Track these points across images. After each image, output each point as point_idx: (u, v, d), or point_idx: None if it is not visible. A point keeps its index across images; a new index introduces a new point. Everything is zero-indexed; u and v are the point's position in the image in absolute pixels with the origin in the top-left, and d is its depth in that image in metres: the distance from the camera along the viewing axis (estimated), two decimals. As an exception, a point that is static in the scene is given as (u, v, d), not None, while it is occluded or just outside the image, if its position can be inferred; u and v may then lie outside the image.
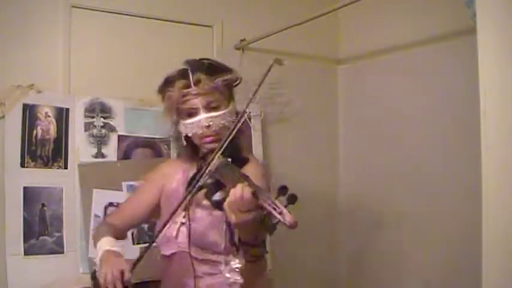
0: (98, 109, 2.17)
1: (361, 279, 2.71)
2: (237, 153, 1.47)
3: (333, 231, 2.83)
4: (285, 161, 2.67)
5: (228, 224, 1.39)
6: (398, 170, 2.50)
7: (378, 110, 2.63)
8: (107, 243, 1.42)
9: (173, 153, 2.28)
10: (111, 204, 2.10)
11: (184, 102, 1.48)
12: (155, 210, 1.61)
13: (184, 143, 1.53)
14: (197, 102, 1.46)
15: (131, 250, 2.08)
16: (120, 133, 2.20)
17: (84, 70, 2.19)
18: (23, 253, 1.96)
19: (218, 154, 1.35)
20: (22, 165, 2.01)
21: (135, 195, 1.70)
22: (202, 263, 1.48)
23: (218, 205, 1.30)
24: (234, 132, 1.36)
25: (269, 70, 1.39)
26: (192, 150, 1.55)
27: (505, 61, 1.17)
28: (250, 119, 2.47)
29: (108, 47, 2.26)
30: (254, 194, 1.14)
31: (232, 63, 2.49)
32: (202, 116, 1.46)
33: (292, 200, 1.17)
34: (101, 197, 2.09)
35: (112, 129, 2.19)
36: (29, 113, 2.04)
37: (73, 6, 2.17)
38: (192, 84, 1.46)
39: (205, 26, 2.50)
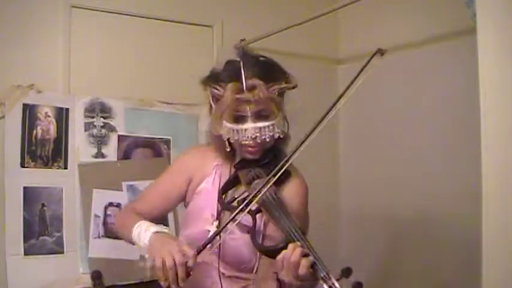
0: (98, 109, 2.17)
1: (360, 279, 2.71)
2: (277, 165, 1.34)
3: (333, 231, 2.83)
4: (285, 161, 2.67)
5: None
6: (398, 170, 2.50)
7: (378, 110, 2.63)
8: (152, 225, 1.26)
9: (173, 153, 2.28)
10: (111, 204, 2.10)
11: (234, 106, 1.32)
12: (178, 202, 1.48)
13: (228, 148, 1.38)
14: (247, 109, 1.31)
15: (132, 250, 2.09)
16: (120, 133, 2.20)
17: (84, 70, 2.19)
18: (23, 253, 1.96)
19: (275, 178, 1.26)
20: (22, 165, 2.01)
21: (164, 181, 1.49)
22: (227, 280, 1.36)
23: (264, 252, 1.23)
24: (289, 163, 1.28)
25: (370, 59, 1.34)
26: (231, 152, 1.41)
27: (505, 61, 1.17)
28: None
29: (108, 47, 2.26)
30: (311, 267, 1.08)
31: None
32: (250, 125, 1.32)
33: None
34: (101, 197, 2.09)
35: (112, 129, 2.19)
36: (29, 113, 2.03)
37: (73, 6, 2.17)
38: (246, 90, 1.31)
39: (205, 26, 2.50)
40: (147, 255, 1.23)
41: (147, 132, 2.26)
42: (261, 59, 1.42)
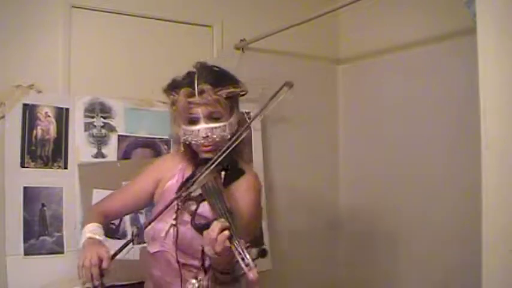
0: (98, 109, 2.17)
1: (361, 280, 2.71)
2: (232, 164, 1.49)
3: (333, 232, 2.83)
4: (285, 161, 2.67)
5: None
6: (398, 170, 2.50)
7: (378, 110, 2.63)
8: (91, 230, 1.46)
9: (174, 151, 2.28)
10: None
11: (187, 109, 1.50)
12: (148, 201, 1.64)
13: (182, 149, 1.57)
14: (199, 111, 1.48)
15: (132, 251, 2.09)
16: (120, 133, 2.20)
17: (84, 70, 2.19)
18: (23, 253, 1.96)
19: (210, 168, 1.38)
20: (22, 165, 2.01)
21: (130, 184, 1.70)
22: (182, 266, 1.48)
23: (196, 229, 1.36)
24: (229, 150, 1.38)
25: (278, 92, 1.49)
26: (192, 151, 1.57)
27: (505, 61, 1.17)
28: (250, 118, 2.47)
29: (108, 47, 2.26)
30: (229, 239, 1.18)
31: (232, 63, 2.52)
32: (202, 126, 1.48)
33: (263, 254, 1.22)
34: (100, 197, 2.07)
35: (112, 129, 2.19)
36: (29, 113, 2.04)
37: (73, 6, 2.17)
38: (196, 94, 1.48)
39: (205, 26, 2.50)
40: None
41: (147, 132, 2.26)
42: (215, 69, 1.57)
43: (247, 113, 2.47)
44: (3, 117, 1.99)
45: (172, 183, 1.58)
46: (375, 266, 2.62)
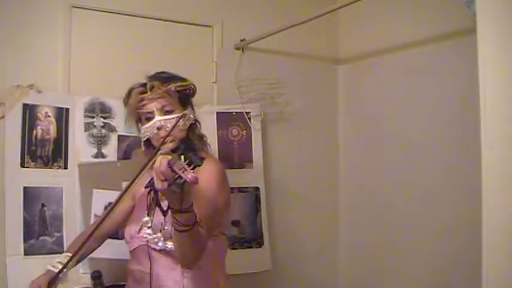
0: (98, 109, 2.17)
1: (360, 279, 2.71)
2: (191, 151, 1.52)
3: (333, 230, 2.83)
4: (285, 161, 2.67)
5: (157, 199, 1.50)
6: (398, 170, 2.50)
7: (378, 110, 2.63)
8: (54, 263, 1.60)
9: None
10: (111, 204, 2.10)
11: (141, 107, 1.63)
12: (129, 217, 1.73)
13: (143, 147, 1.70)
14: (152, 106, 1.62)
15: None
16: (120, 133, 2.20)
17: (84, 70, 2.20)
18: (23, 253, 1.96)
19: (160, 151, 1.46)
20: (22, 165, 2.01)
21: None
22: (159, 252, 1.55)
23: (148, 186, 1.49)
24: (174, 127, 1.54)
25: (177, 123, 1.60)
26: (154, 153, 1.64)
27: (505, 61, 1.17)
28: (249, 118, 2.47)
29: (108, 47, 2.26)
30: (169, 163, 1.25)
31: (232, 63, 2.53)
32: (157, 119, 1.61)
33: (199, 160, 1.29)
34: (101, 197, 2.09)
35: (112, 129, 2.19)
36: (29, 113, 2.04)
37: (73, 6, 2.17)
38: (148, 90, 1.62)
39: (205, 26, 2.50)
40: None
41: (147, 132, 2.25)
42: (164, 73, 1.70)
43: (247, 113, 2.47)
44: (3, 117, 1.99)
45: (142, 188, 1.64)
46: (375, 266, 2.62)
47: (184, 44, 2.42)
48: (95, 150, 2.15)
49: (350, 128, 2.84)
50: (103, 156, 2.16)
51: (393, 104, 2.54)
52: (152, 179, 1.51)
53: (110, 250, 2.03)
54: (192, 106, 1.72)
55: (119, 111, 2.21)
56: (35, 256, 1.98)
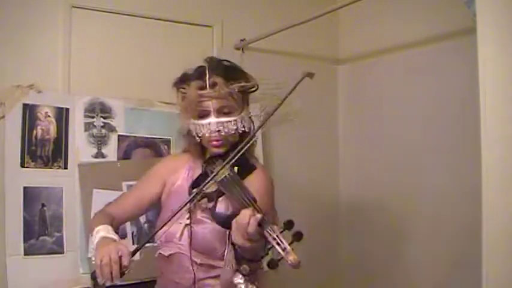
0: (98, 109, 2.17)
1: (360, 279, 2.71)
2: (243, 160, 1.43)
3: (333, 231, 2.83)
4: (285, 161, 2.67)
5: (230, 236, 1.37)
6: (398, 170, 2.50)
7: (378, 110, 2.63)
8: (104, 230, 1.40)
9: (174, 151, 2.28)
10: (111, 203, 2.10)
11: (197, 102, 1.47)
12: (154, 204, 1.62)
13: (198, 139, 1.52)
14: (210, 104, 1.46)
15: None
16: (120, 133, 2.20)
17: (84, 70, 2.19)
18: (22, 253, 1.95)
19: (226, 166, 1.35)
20: (22, 165, 2.00)
21: (138, 186, 1.67)
22: (200, 267, 1.47)
23: (218, 222, 1.35)
24: (245, 149, 1.35)
25: (299, 82, 1.46)
26: (200, 148, 1.56)
27: (505, 61, 1.17)
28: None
29: (108, 47, 2.26)
30: (260, 224, 1.15)
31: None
32: (213, 120, 1.46)
33: (298, 237, 1.18)
34: (101, 197, 2.09)
35: (112, 129, 2.19)
36: (29, 113, 2.03)
37: (73, 6, 2.17)
38: (208, 87, 1.46)
39: (205, 26, 2.50)
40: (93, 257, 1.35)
41: (147, 132, 2.25)
42: (225, 62, 1.56)
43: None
44: (3, 117, 1.99)
45: (181, 184, 1.56)
46: (375, 265, 2.62)
47: (184, 44, 2.42)
48: (95, 150, 2.15)
49: (350, 128, 2.84)
50: (103, 156, 2.16)
51: (393, 104, 2.54)
52: (198, 182, 1.42)
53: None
54: (248, 103, 1.57)
55: (119, 111, 2.21)
56: (35, 256, 1.98)
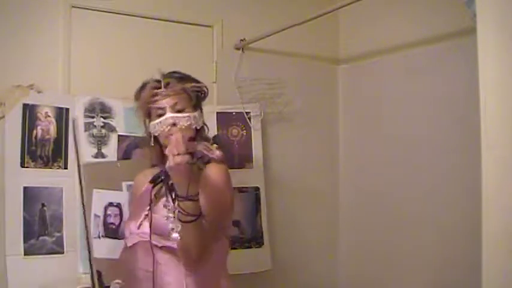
0: (98, 109, 2.17)
1: (360, 279, 2.71)
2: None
3: (333, 230, 2.83)
4: (285, 161, 2.67)
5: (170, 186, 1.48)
6: (398, 170, 2.50)
7: (378, 109, 2.63)
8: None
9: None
10: (111, 204, 2.10)
11: (153, 102, 1.60)
12: None
13: (152, 142, 1.64)
14: (165, 102, 1.59)
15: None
16: (120, 133, 2.20)
17: (84, 70, 2.19)
18: (22, 253, 1.95)
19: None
20: (22, 165, 2.00)
21: (129, 214, 1.88)
22: (162, 249, 1.54)
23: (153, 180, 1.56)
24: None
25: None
26: (161, 152, 1.63)
27: (505, 61, 1.17)
28: (249, 118, 2.47)
29: (108, 47, 2.26)
30: (191, 139, 1.32)
31: (232, 63, 2.53)
32: (169, 115, 1.58)
33: (218, 140, 1.39)
34: (101, 197, 2.09)
35: (112, 129, 2.19)
36: (29, 113, 2.03)
37: (73, 6, 2.17)
38: (162, 86, 1.60)
39: (205, 26, 2.50)
40: None
41: (147, 132, 2.25)
42: (178, 72, 1.68)
43: (247, 113, 2.47)
44: (3, 117, 1.99)
45: (146, 188, 1.68)
46: (375, 265, 2.62)
47: (184, 44, 2.42)
48: (95, 150, 2.15)
49: (350, 128, 2.84)
50: (103, 156, 2.16)
51: (393, 104, 2.54)
52: (158, 173, 1.61)
53: (110, 250, 2.03)
54: (201, 109, 1.70)
55: (119, 111, 2.21)
56: (35, 256, 1.97)
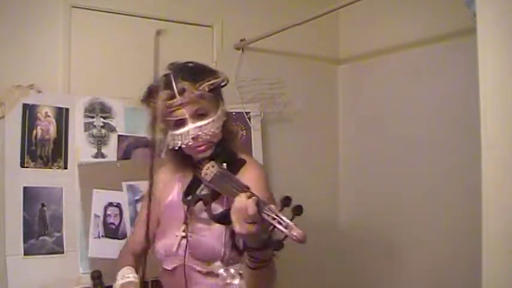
0: (98, 109, 2.17)
1: (361, 280, 2.71)
2: (231, 156, 1.43)
3: (333, 230, 2.83)
4: (285, 161, 2.67)
5: (232, 231, 1.32)
6: (398, 170, 2.50)
7: (378, 110, 2.64)
8: (121, 275, 1.46)
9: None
10: (111, 204, 2.10)
11: (170, 113, 1.40)
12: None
13: (164, 153, 1.50)
14: (183, 112, 1.39)
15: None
16: (120, 133, 2.20)
17: (84, 70, 2.19)
18: (22, 253, 1.95)
19: (213, 165, 1.35)
20: (22, 165, 2.00)
21: (142, 215, 1.65)
22: (207, 276, 1.42)
23: (219, 220, 1.29)
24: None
25: None
26: (184, 157, 1.48)
27: (505, 61, 1.17)
28: (249, 118, 2.47)
29: (108, 47, 2.26)
30: (257, 205, 1.10)
31: (232, 63, 2.53)
32: (190, 127, 1.39)
33: (298, 211, 1.12)
34: (101, 197, 2.09)
35: (112, 129, 2.19)
36: (29, 113, 2.03)
37: (73, 6, 2.17)
38: (177, 94, 1.38)
39: (205, 26, 2.50)
40: None
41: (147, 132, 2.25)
42: (189, 64, 1.48)
43: (247, 113, 2.47)
44: (3, 117, 1.99)
45: (174, 197, 1.52)
46: (375, 267, 2.62)
47: (184, 44, 2.42)
48: (94, 150, 2.15)
49: (350, 128, 2.84)
50: (103, 156, 2.16)
51: (393, 104, 2.54)
52: (190, 190, 1.42)
53: (109, 250, 2.03)
54: (222, 98, 1.49)
55: (119, 111, 2.21)
56: (35, 256, 1.97)
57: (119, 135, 2.20)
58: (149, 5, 2.35)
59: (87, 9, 2.20)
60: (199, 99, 1.39)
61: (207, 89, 1.40)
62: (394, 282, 2.51)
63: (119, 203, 2.10)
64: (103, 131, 2.17)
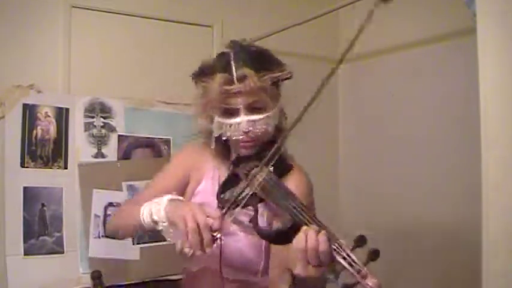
0: (98, 109, 2.17)
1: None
2: (279, 159, 1.23)
3: (333, 230, 2.83)
4: (285, 161, 2.67)
5: (267, 246, 1.18)
6: (399, 170, 2.50)
7: (378, 110, 2.63)
8: (164, 197, 1.16)
9: (173, 153, 2.27)
10: (111, 204, 2.10)
11: (223, 99, 1.23)
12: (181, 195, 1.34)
13: (213, 144, 1.31)
14: (239, 101, 1.23)
15: (132, 251, 2.09)
16: (120, 133, 2.20)
17: (84, 70, 2.19)
18: (22, 253, 1.95)
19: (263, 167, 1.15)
20: (22, 165, 2.00)
21: (163, 179, 1.40)
22: (232, 283, 1.29)
23: (269, 237, 1.11)
24: (281, 149, 1.16)
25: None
26: (224, 147, 1.33)
27: (505, 61, 1.17)
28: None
29: (108, 47, 2.26)
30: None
31: (232, 63, 2.52)
32: (243, 119, 1.23)
33: (375, 256, 0.97)
34: (101, 197, 2.09)
35: (112, 129, 2.19)
36: (29, 113, 2.03)
37: (73, 6, 2.17)
38: (236, 81, 1.22)
39: (205, 26, 2.50)
40: (164, 229, 1.11)
41: (147, 132, 2.26)
42: (253, 48, 1.33)
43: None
44: (3, 117, 1.99)
45: (205, 187, 1.35)
46: (375, 265, 2.62)
47: (184, 44, 2.42)
48: (94, 150, 2.15)
49: (350, 128, 2.84)
50: (103, 156, 2.16)
51: (393, 104, 2.54)
52: (226, 186, 1.23)
53: (110, 250, 2.03)
54: (280, 93, 1.33)
55: (119, 111, 2.21)
56: (35, 256, 1.97)
57: (119, 135, 2.20)
58: (149, 5, 2.35)
59: (87, 9, 2.20)
60: (259, 91, 1.24)
61: (269, 82, 1.26)
62: (394, 282, 2.51)
63: (119, 203, 2.10)
64: (103, 131, 2.17)
